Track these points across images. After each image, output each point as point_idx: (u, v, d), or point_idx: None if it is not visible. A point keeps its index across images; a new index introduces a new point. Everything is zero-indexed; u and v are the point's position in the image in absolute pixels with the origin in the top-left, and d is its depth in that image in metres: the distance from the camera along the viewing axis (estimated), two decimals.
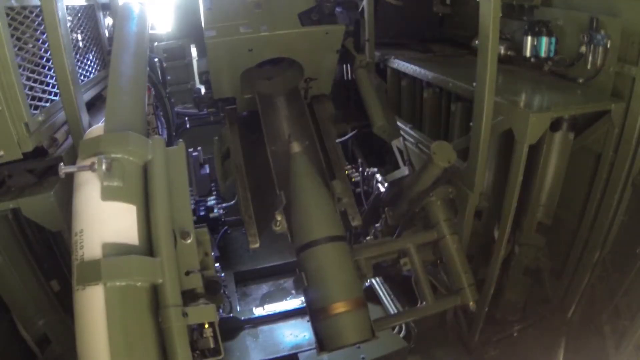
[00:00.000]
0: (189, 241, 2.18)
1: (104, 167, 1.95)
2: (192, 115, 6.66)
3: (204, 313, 2.02)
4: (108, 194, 1.97)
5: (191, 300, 2.07)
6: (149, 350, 1.84)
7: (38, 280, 2.86)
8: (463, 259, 3.43)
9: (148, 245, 2.02)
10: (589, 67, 3.36)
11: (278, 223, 3.08)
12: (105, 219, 1.96)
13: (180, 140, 2.51)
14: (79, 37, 3.55)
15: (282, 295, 5.22)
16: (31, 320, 2.89)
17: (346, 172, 3.69)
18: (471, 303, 3.40)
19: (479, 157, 3.27)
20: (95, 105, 3.61)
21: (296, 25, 3.44)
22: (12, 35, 2.40)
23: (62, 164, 2.04)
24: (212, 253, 2.60)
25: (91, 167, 1.95)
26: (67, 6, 3.11)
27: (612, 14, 3.15)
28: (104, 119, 2.33)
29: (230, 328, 4.42)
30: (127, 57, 2.79)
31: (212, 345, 2.04)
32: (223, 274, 5.04)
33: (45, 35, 2.61)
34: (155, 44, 5.91)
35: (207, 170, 5.81)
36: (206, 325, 2.04)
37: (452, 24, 5.40)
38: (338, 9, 3.86)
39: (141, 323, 1.85)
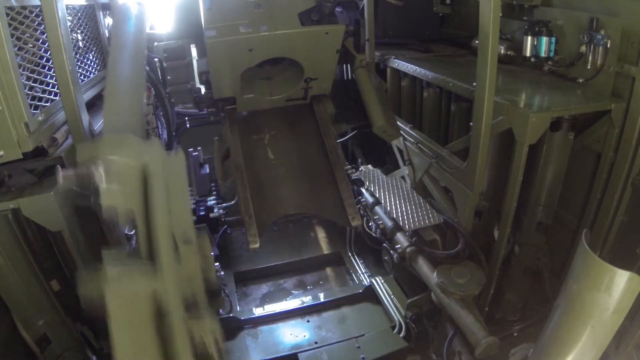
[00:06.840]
0: (189, 247, 2.16)
1: (102, 170, 1.93)
2: (192, 115, 6.64)
3: (208, 326, 2.00)
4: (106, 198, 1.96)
5: (193, 307, 2.05)
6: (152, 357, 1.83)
7: (38, 280, 2.85)
8: None
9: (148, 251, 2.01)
10: (589, 67, 3.36)
11: None
12: None
13: (179, 146, 2.48)
14: (79, 37, 3.54)
15: (282, 295, 5.21)
16: (31, 320, 2.88)
17: (346, 172, 3.69)
18: None
19: (479, 157, 3.26)
20: (95, 105, 3.61)
21: (296, 25, 3.44)
22: (12, 35, 2.40)
23: (59, 167, 2.02)
24: (212, 253, 2.59)
25: (89, 171, 1.94)
26: (67, 6, 3.11)
27: (612, 14, 3.15)
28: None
29: (230, 328, 4.41)
30: (125, 58, 2.77)
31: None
32: (222, 273, 5.03)
33: (45, 35, 2.61)
34: (155, 44, 5.89)
35: (207, 170, 5.80)
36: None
37: (452, 24, 5.40)
38: (338, 9, 3.86)
39: (144, 330, 1.84)
